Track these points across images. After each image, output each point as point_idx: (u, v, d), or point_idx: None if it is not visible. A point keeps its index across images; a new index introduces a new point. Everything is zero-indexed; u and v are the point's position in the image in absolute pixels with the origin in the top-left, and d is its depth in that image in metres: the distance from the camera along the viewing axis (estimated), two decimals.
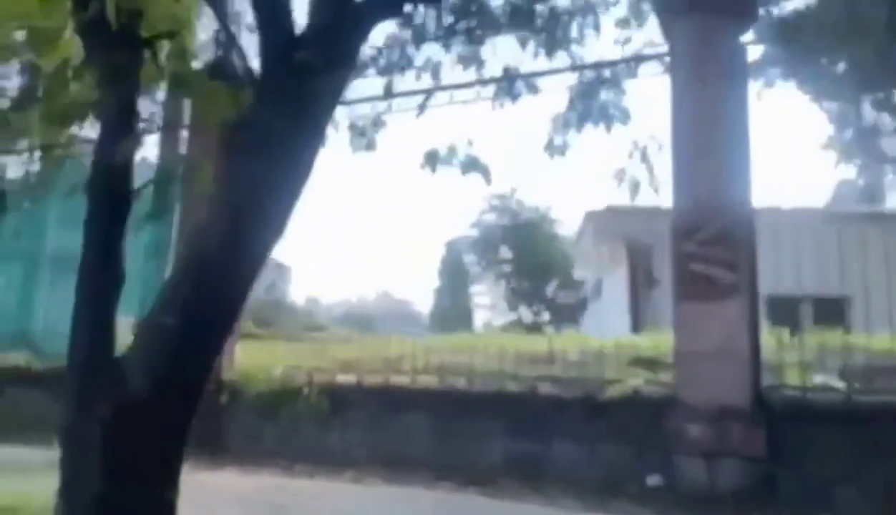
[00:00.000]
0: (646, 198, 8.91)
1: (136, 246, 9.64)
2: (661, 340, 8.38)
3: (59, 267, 10.14)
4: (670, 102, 6.66)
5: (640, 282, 20.74)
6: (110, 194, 3.04)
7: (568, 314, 31.36)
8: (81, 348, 3.11)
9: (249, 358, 8.71)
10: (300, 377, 7.84)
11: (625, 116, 8.36)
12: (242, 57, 3.44)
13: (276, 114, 3.01)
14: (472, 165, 7.66)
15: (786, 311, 16.69)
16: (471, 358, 7.95)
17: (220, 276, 2.87)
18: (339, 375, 7.81)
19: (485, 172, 8.10)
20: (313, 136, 3.01)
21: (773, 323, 14.07)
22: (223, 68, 8.63)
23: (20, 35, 5.58)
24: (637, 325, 18.76)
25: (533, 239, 33.72)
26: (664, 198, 7.06)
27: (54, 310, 9.91)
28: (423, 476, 6.57)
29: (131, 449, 2.70)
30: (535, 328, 29.12)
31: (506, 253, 34.85)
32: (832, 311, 17.27)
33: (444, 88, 8.75)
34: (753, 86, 7.43)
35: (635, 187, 7.72)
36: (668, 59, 7.18)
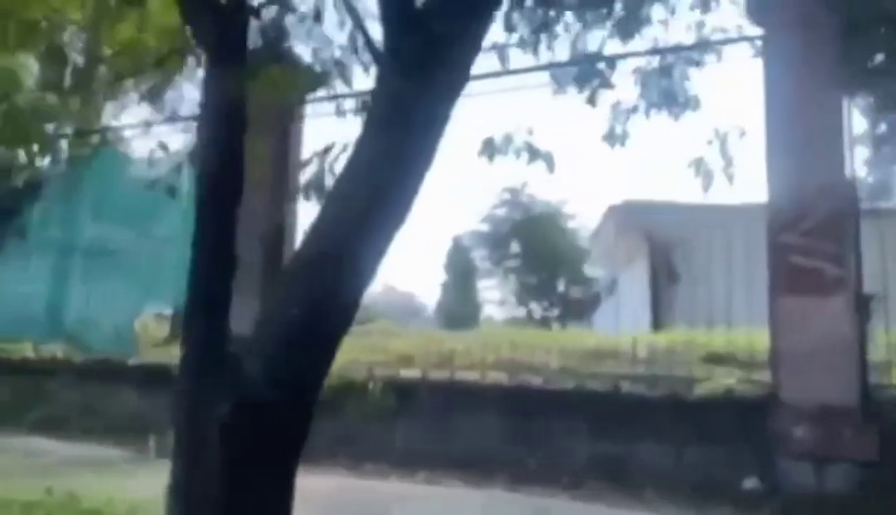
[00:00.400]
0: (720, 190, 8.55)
1: (172, 234, 9.27)
2: (729, 336, 8.14)
3: (92, 258, 9.81)
4: (764, 88, 6.35)
5: (662, 277, 20.47)
6: (222, 179, 2.85)
7: (579, 310, 31.11)
8: (195, 343, 2.85)
9: None
10: (359, 371, 7.51)
11: (695, 103, 8.05)
12: (366, 34, 3.22)
13: (410, 88, 2.70)
14: (534, 154, 7.39)
15: None
16: (533, 355, 7.66)
17: (349, 261, 2.66)
18: (402, 370, 7.49)
19: (548, 161, 7.78)
20: (447, 109, 2.80)
21: None
22: (277, 49, 8.30)
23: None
24: (659, 321, 18.48)
25: (544, 234, 33.39)
26: (737, 189, 6.74)
27: (90, 302, 9.56)
28: (500, 477, 6.27)
29: (251, 451, 2.54)
30: (544, 323, 28.85)
31: (516, 247, 34.49)
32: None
33: (503, 73, 8.39)
34: None
35: (709, 177, 7.44)
36: (757, 43, 6.84)
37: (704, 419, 6.13)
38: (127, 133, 10.24)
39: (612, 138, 8.77)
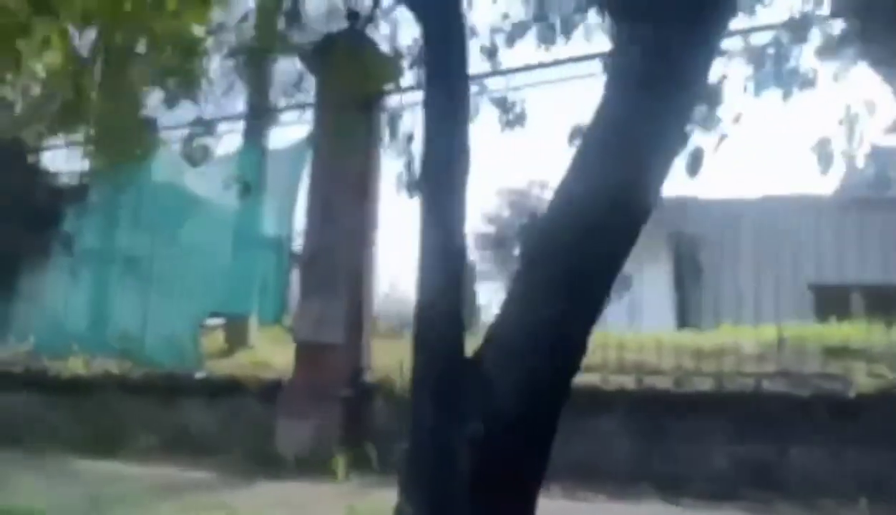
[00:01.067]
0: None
1: (219, 237, 8.61)
2: (846, 329, 7.72)
3: (142, 268, 9.21)
4: None
5: (687, 274, 20.11)
6: (448, 173, 2.60)
7: None
8: (432, 352, 2.56)
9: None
10: None
11: (805, 82, 7.61)
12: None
13: (663, 39, 2.41)
14: None
15: (834, 301, 16.07)
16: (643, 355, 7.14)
17: (604, 238, 2.37)
18: None
19: None
20: (709, 57, 2.55)
21: (820, 313, 13.45)
22: (359, 39, 7.74)
23: None
24: (684, 319, 18.11)
25: None
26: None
27: (146, 314, 8.94)
28: (642, 489, 5.76)
29: (501, 470, 2.32)
30: None
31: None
32: (885, 300, 16.69)
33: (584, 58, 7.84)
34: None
35: (828, 160, 7.03)
36: None
37: (864, 418, 5.65)
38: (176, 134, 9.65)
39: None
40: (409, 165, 4.83)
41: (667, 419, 6.13)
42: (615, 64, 2.70)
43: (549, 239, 2.52)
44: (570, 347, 2.53)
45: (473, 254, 37.20)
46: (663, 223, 20.58)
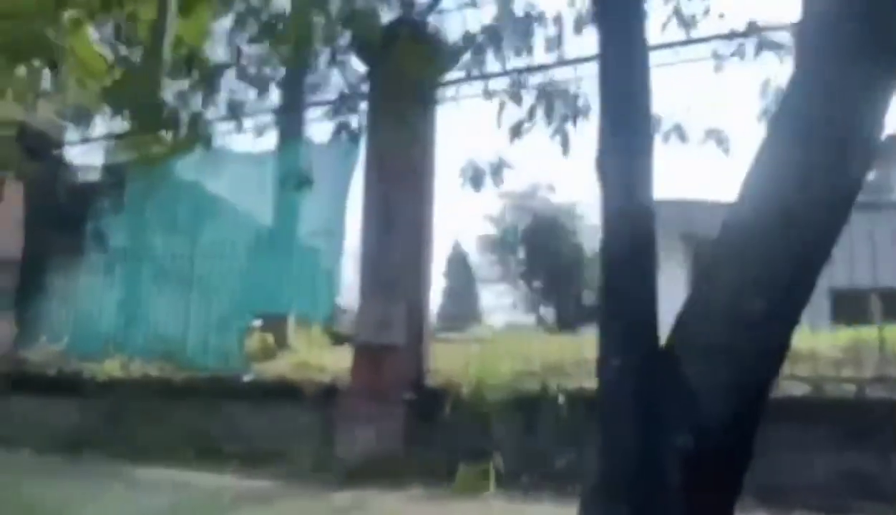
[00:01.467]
0: None
1: (260, 236, 8.24)
2: None
3: (166, 268, 8.86)
4: None
5: None
6: (630, 158, 2.40)
7: (593, 314, 30.52)
8: (627, 347, 2.32)
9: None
10: (531, 383, 6.65)
11: None
12: None
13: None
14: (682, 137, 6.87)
15: (853, 305, 15.78)
16: None
17: (810, 235, 2.14)
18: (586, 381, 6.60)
19: (723, 143, 7.14)
20: None
21: (839, 318, 13.21)
22: (419, 27, 7.44)
23: None
24: None
25: (555, 237, 32.79)
26: None
27: (189, 316, 8.57)
28: (746, 502, 5.35)
29: (708, 483, 2.14)
30: (561, 328, 28.22)
31: (526, 252, 33.93)
32: None
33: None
34: None
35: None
36: None
37: None
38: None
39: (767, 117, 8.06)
40: (564, 143, 4.57)
41: (762, 427, 5.81)
42: (815, 29, 2.39)
43: (747, 228, 2.25)
44: (775, 348, 2.26)
45: (481, 258, 37.15)
46: (674, 223, 20.42)
